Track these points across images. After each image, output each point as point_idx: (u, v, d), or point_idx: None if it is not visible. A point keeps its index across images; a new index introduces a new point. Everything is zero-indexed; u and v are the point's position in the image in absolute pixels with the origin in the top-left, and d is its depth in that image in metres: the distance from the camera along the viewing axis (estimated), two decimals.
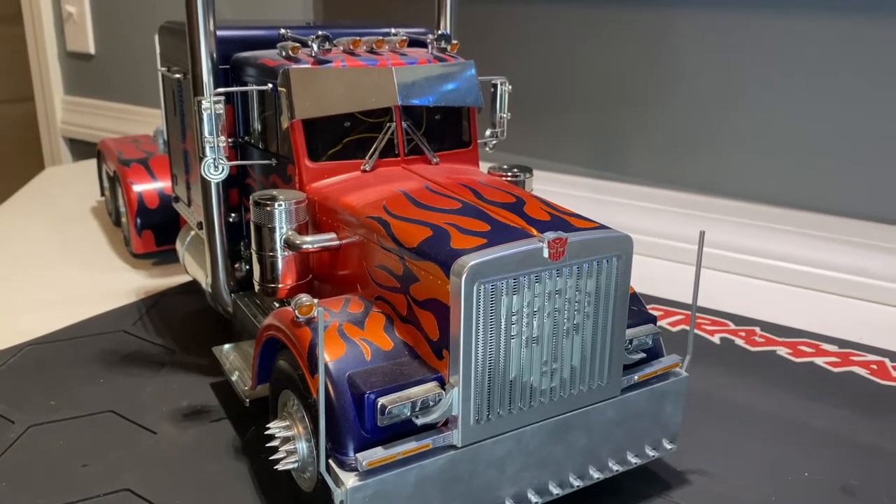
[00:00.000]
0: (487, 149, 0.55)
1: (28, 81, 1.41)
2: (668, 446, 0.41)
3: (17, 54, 1.39)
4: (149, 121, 1.19)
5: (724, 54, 0.73)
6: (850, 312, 0.66)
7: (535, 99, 0.84)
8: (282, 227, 0.41)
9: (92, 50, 1.29)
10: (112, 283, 0.69)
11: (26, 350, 0.56)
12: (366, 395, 0.33)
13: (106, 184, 0.85)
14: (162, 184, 0.72)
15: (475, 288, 0.33)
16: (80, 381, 0.52)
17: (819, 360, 0.56)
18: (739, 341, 0.59)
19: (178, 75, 0.53)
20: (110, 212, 0.84)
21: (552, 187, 0.83)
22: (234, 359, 0.49)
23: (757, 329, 0.61)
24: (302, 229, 0.42)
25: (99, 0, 1.26)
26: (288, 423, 0.37)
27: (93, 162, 0.96)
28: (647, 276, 0.71)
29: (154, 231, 0.72)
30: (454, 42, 0.49)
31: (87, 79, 1.32)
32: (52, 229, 0.84)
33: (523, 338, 0.34)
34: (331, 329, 0.36)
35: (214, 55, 0.46)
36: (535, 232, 0.36)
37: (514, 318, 0.34)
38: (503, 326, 0.34)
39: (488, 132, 0.55)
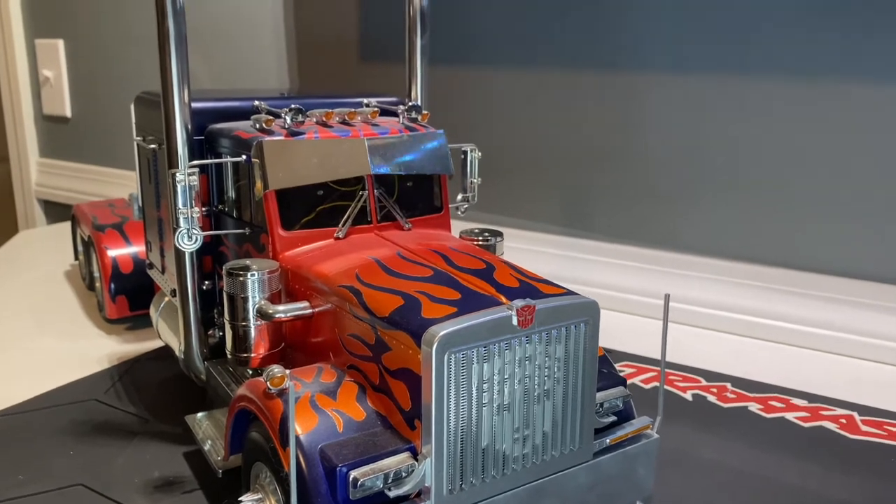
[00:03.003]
0: (459, 213, 0.56)
1: (3, 143, 1.41)
2: None
3: None
4: (123, 183, 1.19)
5: (687, 115, 0.76)
6: (818, 365, 0.67)
7: (504, 159, 0.86)
8: (255, 297, 0.42)
9: (68, 113, 1.30)
10: (85, 349, 0.68)
11: None
12: (338, 469, 0.33)
13: (80, 248, 0.85)
14: (136, 248, 0.72)
15: (446, 357, 0.33)
16: (49, 453, 0.51)
17: (790, 416, 0.57)
18: (711, 398, 0.60)
19: (153, 145, 0.54)
20: (84, 276, 0.83)
21: (522, 244, 0.84)
22: (207, 427, 0.49)
23: (728, 385, 0.62)
24: (275, 298, 0.43)
25: (76, 65, 1.27)
26: (260, 495, 0.37)
27: (67, 225, 0.95)
28: (619, 332, 0.72)
29: (128, 296, 0.71)
30: (424, 112, 0.51)
31: (62, 141, 1.33)
32: (25, 294, 0.83)
33: (495, 405, 0.35)
34: (303, 400, 0.36)
35: (189, 126, 0.47)
36: (504, 300, 0.36)
37: (485, 385, 0.34)
38: (474, 395, 0.34)
39: (459, 197, 0.56)
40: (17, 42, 1.32)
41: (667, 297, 0.42)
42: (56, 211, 1.36)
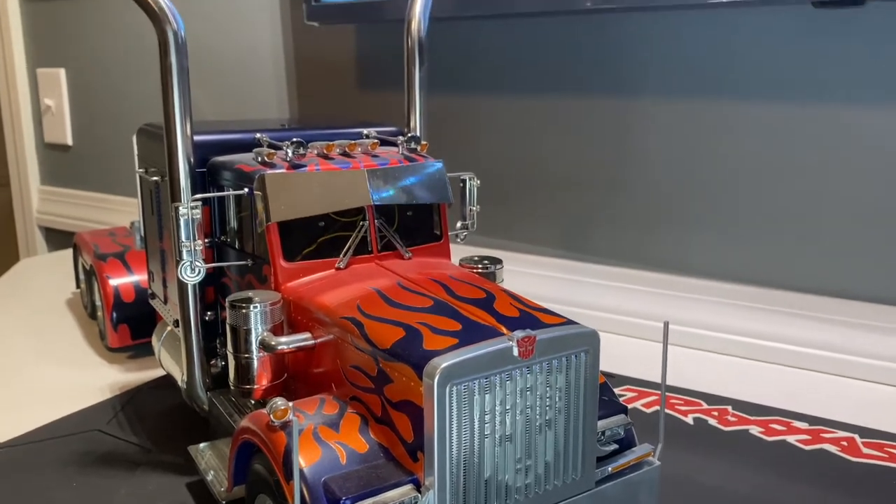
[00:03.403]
0: (458, 240, 0.56)
1: (4, 170, 1.42)
2: None
3: None
4: (124, 210, 1.20)
5: (684, 138, 0.77)
6: (819, 387, 0.67)
7: (503, 184, 0.87)
8: (257, 329, 0.42)
9: (69, 141, 1.31)
10: (87, 378, 0.68)
11: None
12: (341, 501, 0.33)
13: (82, 276, 0.85)
14: (138, 277, 0.73)
15: (448, 389, 0.33)
16: (52, 486, 0.51)
17: (791, 438, 0.57)
18: (713, 421, 0.60)
19: (155, 178, 0.54)
20: (86, 304, 0.84)
21: (522, 268, 0.85)
22: (209, 458, 0.49)
23: (729, 408, 0.62)
24: (277, 329, 0.43)
25: (77, 93, 1.28)
26: None
27: (68, 252, 0.96)
28: (620, 356, 0.72)
29: (130, 325, 0.72)
30: (423, 142, 0.51)
31: (63, 169, 1.34)
32: (26, 323, 0.83)
33: (497, 436, 0.35)
34: (306, 432, 0.36)
35: (191, 159, 0.48)
36: (504, 330, 0.37)
37: (486, 416, 0.35)
38: (476, 426, 0.34)
39: (459, 224, 0.57)
40: (19, 71, 1.33)
41: (666, 325, 0.42)
42: (57, 238, 1.37)
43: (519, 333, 0.35)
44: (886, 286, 0.70)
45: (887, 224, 0.69)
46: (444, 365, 0.33)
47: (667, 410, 0.61)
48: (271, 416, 0.36)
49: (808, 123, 0.70)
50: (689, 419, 0.60)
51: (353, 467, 0.35)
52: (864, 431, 0.58)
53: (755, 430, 0.58)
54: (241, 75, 1.06)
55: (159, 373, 0.68)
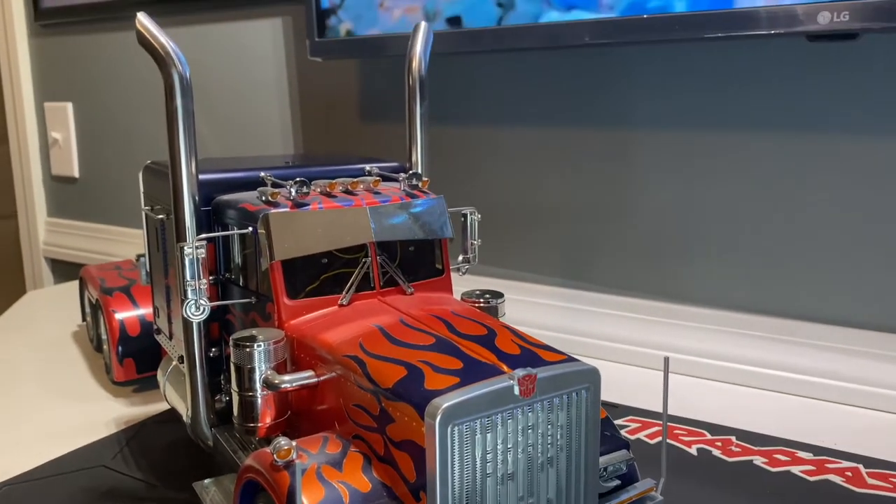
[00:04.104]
0: (460, 274, 0.57)
1: (12, 201, 1.44)
2: None
3: (2, 175, 1.43)
4: (131, 241, 1.21)
5: (684, 168, 0.77)
6: (823, 416, 0.67)
7: (504, 215, 0.88)
8: (261, 367, 0.42)
9: (76, 174, 1.32)
10: (92, 412, 0.69)
11: (2, 491, 0.55)
12: None
13: (88, 310, 0.86)
14: (144, 311, 0.73)
15: (449, 429, 0.34)
16: None
17: (795, 469, 0.57)
18: (716, 452, 0.60)
19: (161, 216, 0.55)
20: (91, 338, 0.84)
21: (525, 297, 0.85)
22: (214, 494, 0.49)
23: (733, 438, 0.62)
24: (280, 367, 0.43)
25: (84, 127, 1.30)
26: None
27: (74, 284, 0.97)
28: (623, 384, 0.72)
29: (135, 359, 0.72)
30: (424, 179, 0.52)
31: (70, 201, 1.35)
32: (32, 356, 0.84)
33: (499, 475, 0.35)
34: (309, 472, 0.36)
35: (196, 198, 0.48)
36: (506, 368, 0.37)
37: (488, 455, 0.35)
38: (478, 465, 0.35)
39: (460, 258, 0.58)
40: (27, 105, 1.35)
41: (666, 360, 0.42)
42: (63, 269, 1.38)
43: (520, 372, 0.36)
44: (890, 314, 0.70)
45: (888, 252, 0.69)
46: (445, 405, 0.34)
47: (670, 441, 0.61)
48: (275, 455, 0.36)
49: (807, 154, 0.71)
50: (693, 450, 0.60)
51: None
52: (869, 461, 0.58)
53: (759, 461, 0.58)
54: (245, 109, 1.08)
55: (164, 406, 0.68)
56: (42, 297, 1.16)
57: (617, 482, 0.41)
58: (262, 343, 0.42)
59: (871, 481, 0.55)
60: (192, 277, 0.45)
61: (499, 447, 0.35)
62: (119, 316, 0.73)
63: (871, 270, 0.70)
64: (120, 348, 0.72)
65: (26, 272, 1.44)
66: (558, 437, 0.37)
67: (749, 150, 0.74)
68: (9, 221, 1.45)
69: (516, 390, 0.35)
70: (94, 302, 0.80)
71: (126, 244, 1.20)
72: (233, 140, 1.09)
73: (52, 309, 1.03)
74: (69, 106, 1.30)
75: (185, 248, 0.45)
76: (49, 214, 1.40)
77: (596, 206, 0.83)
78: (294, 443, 0.37)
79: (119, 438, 0.64)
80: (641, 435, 0.63)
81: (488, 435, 0.35)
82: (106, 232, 1.29)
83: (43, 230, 1.40)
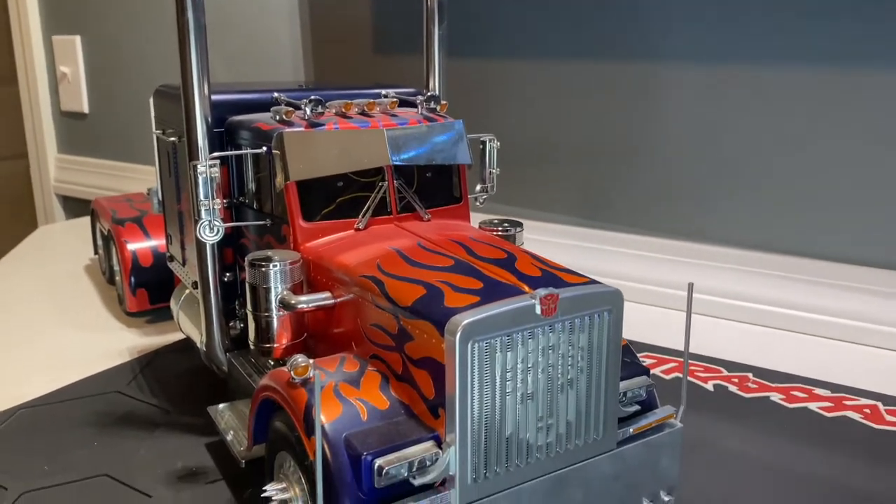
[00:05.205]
0: (478, 203, 0.56)
1: (22, 139, 1.42)
2: (666, 498, 0.41)
3: (12, 113, 1.41)
4: (142, 178, 1.20)
5: (706, 105, 0.75)
6: (841, 356, 0.66)
7: (523, 151, 0.86)
8: (277, 288, 0.42)
9: (86, 109, 1.31)
10: (106, 342, 0.69)
11: (19, 413, 0.56)
12: (363, 457, 0.33)
13: (100, 242, 0.85)
14: (156, 242, 0.73)
15: (469, 346, 0.33)
16: (74, 445, 0.51)
17: (812, 406, 0.57)
18: (733, 388, 0.59)
19: (172, 138, 0.54)
20: (104, 270, 0.84)
21: (542, 236, 0.84)
22: (229, 418, 0.49)
23: (750, 375, 0.62)
24: (297, 289, 0.43)
25: (93, 61, 1.28)
26: (284, 484, 0.37)
27: (86, 220, 0.96)
28: (639, 323, 0.71)
29: (148, 289, 0.72)
30: (443, 102, 0.50)
31: (80, 137, 1.34)
32: (45, 289, 0.84)
33: (518, 394, 0.35)
34: (326, 389, 0.36)
35: (209, 119, 0.47)
36: (526, 288, 0.36)
37: (508, 374, 0.34)
38: (498, 383, 0.34)
39: (478, 187, 0.56)
40: (35, 39, 1.33)
41: (690, 286, 0.41)
42: (75, 206, 1.37)
43: (542, 291, 0.35)
44: None
45: None
46: (466, 321, 0.33)
47: (688, 378, 0.61)
48: (292, 372, 0.36)
49: (829, 89, 0.69)
50: (710, 385, 0.60)
51: (374, 424, 0.35)
52: (888, 399, 0.58)
53: (776, 398, 0.58)
54: (256, 38, 1.05)
55: (177, 337, 0.68)
56: (53, 231, 1.15)
57: (636, 408, 0.40)
58: (278, 263, 0.42)
59: (889, 418, 0.55)
60: (206, 197, 0.44)
61: (519, 366, 0.34)
62: (131, 246, 0.73)
63: None
64: (132, 279, 0.72)
65: (38, 209, 1.44)
66: (579, 358, 0.36)
67: (774, 86, 0.71)
68: (19, 161, 1.44)
69: (538, 309, 0.34)
70: (105, 233, 0.80)
71: (137, 181, 1.20)
72: (242, 71, 1.06)
73: (64, 243, 1.03)
74: (77, 39, 1.28)
75: (199, 166, 0.44)
76: (59, 151, 1.39)
77: (617, 143, 0.81)
78: (311, 360, 0.36)
79: (133, 366, 0.64)
80: (657, 371, 0.62)
81: (508, 353, 0.34)
82: (117, 168, 1.28)
83: (53, 167, 1.39)
